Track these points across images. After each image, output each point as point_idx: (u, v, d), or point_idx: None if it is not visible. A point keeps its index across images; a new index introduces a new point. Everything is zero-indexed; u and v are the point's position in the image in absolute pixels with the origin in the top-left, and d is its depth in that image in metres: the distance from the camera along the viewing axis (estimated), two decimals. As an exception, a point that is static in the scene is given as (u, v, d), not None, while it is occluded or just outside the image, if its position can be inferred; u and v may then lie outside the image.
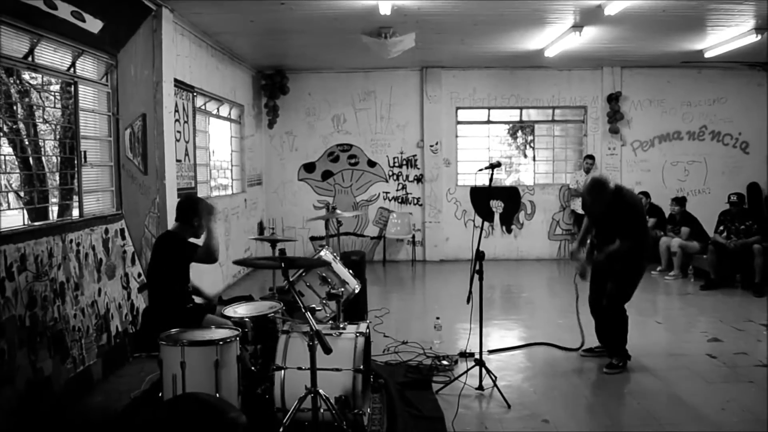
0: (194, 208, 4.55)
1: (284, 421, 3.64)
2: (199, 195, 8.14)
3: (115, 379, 5.37)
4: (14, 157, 7.83)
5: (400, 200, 11.79)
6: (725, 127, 11.54)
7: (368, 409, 4.24)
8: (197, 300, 4.81)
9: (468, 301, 4.84)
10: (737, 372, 5.38)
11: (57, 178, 6.65)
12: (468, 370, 5.04)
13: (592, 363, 5.66)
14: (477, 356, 5.04)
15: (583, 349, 5.87)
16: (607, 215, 5.40)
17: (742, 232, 8.73)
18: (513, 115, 11.95)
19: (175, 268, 4.42)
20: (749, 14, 7.55)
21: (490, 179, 5.03)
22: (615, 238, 5.30)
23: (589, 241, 5.82)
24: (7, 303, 4.14)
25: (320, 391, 3.68)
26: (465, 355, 5.64)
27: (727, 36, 8.64)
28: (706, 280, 8.87)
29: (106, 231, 5.61)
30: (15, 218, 5.04)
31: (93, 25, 5.33)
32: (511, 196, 11.73)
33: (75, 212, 5.54)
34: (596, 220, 5.66)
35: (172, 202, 6.85)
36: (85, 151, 5.45)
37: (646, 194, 10.75)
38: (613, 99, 11.34)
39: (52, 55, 5.02)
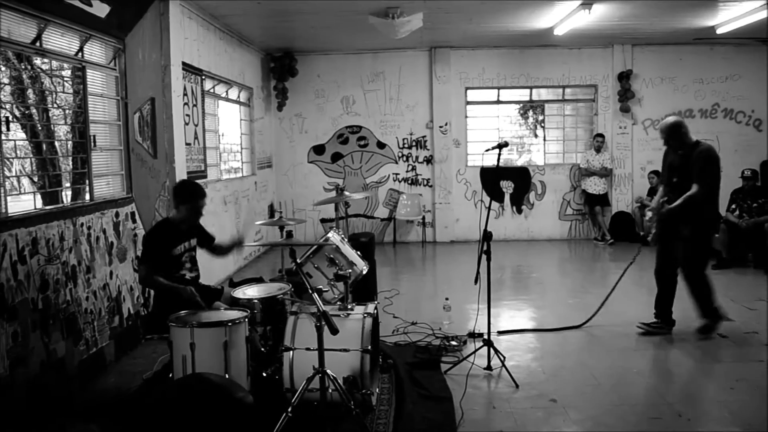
0: (177, 194, 4.68)
1: (293, 401, 3.69)
2: (209, 178, 8.19)
3: (128, 360, 5.45)
4: (26, 142, 7.89)
5: (410, 181, 11.79)
6: (738, 104, 11.41)
7: (376, 389, 4.29)
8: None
9: (476, 282, 4.85)
10: (747, 351, 5.38)
11: (69, 162, 6.71)
12: (476, 350, 5.07)
13: (600, 341, 5.67)
14: (485, 336, 5.06)
15: (640, 324, 5.90)
16: (685, 166, 5.51)
17: (754, 211, 8.68)
18: (523, 94, 11.87)
19: (157, 253, 4.49)
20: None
21: (498, 159, 5.02)
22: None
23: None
24: (19, 286, 4.20)
25: (328, 371, 3.72)
26: (474, 335, 5.67)
27: (738, 12, 8.51)
28: (718, 259, 8.81)
29: (117, 214, 5.66)
30: (28, 203, 5.10)
31: (100, 9, 5.33)
32: (522, 176, 11.69)
33: (86, 196, 5.59)
34: (673, 173, 5.71)
35: (182, 185, 6.90)
36: (94, 136, 5.48)
37: (657, 173, 10.70)
38: (624, 77, 11.23)
39: (60, 40, 5.04)
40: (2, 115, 4.43)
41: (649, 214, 6.01)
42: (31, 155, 7.78)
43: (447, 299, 6.27)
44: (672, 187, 5.69)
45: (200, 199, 4.65)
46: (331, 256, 4.85)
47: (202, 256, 4.94)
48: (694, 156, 5.49)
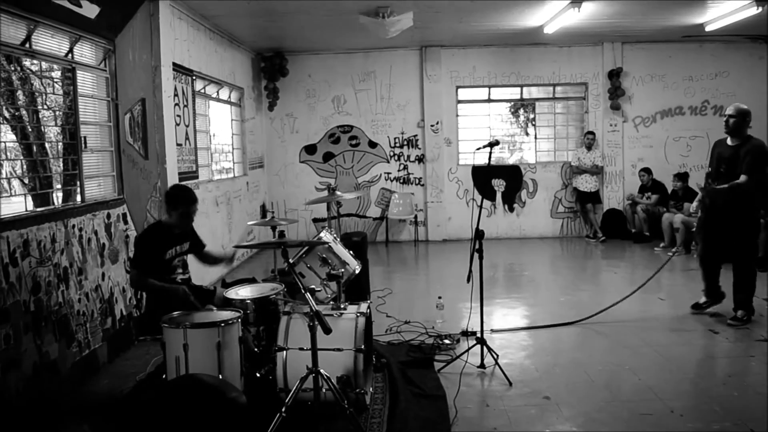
0: (168, 200, 4.68)
1: (287, 400, 3.69)
2: (200, 179, 8.17)
3: (121, 362, 5.43)
4: (17, 143, 7.86)
5: (401, 180, 11.79)
6: (727, 101, 11.37)
7: (370, 388, 4.29)
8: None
9: (468, 280, 4.87)
10: (738, 347, 5.42)
11: (60, 164, 6.69)
12: (469, 348, 5.08)
13: (592, 339, 5.71)
14: (478, 335, 5.07)
15: (693, 306, 6.40)
16: (734, 157, 5.84)
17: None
18: (514, 93, 11.89)
19: (149, 256, 4.50)
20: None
21: (489, 157, 5.04)
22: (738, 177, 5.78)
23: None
24: (11, 288, 4.18)
25: (322, 371, 3.71)
26: (467, 333, 5.68)
27: (727, 9, 8.56)
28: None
29: (108, 216, 5.64)
30: (19, 205, 5.08)
31: (90, 10, 5.31)
32: (513, 175, 11.72)
33: (78, 198, 5.58)
34: (721, 163, 5.99)
35: (173, 186, 6.88)
36: (84, 137, 5.47)
37: (647, 170, 10.75)
38: (614, 75, 11.27)
39: (50, 42, 5.02)
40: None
41: (695, 205, 6.43)
42: (22, 157, 7.75)
43: (440, 298, 6.28)
44: (718, 176, 6.00)
45: (191, 204, 4.64)
46: (324, 255, 4.85)
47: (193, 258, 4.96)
48: (746, 148, 5.80)
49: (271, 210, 10.82)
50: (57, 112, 6.68)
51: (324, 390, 3.76)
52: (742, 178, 5.72)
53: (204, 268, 5.32)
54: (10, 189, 7.40)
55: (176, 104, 7.22)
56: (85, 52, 5.56)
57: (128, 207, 6.05)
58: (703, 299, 6.37)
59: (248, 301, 4.46)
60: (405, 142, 11.71)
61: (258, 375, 4.26)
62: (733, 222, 5.90)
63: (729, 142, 5.99)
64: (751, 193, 5.83)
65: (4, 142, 6.13)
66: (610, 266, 9.25)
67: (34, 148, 7.88)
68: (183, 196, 4.66)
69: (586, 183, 11.14)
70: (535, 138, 12.08)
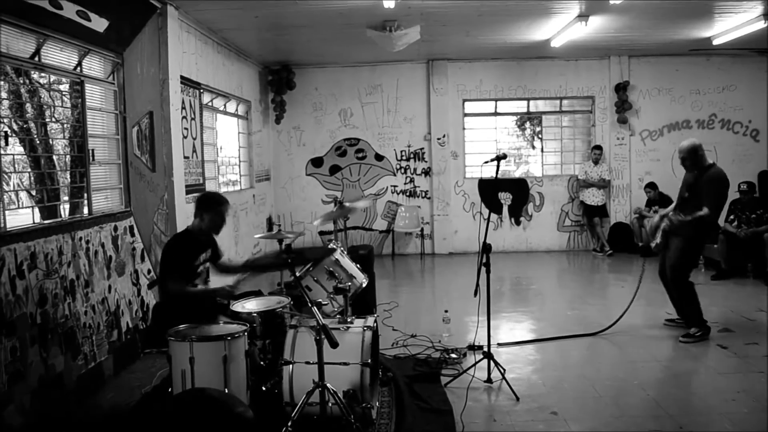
0: (202, 203, 4.66)
1: (293, 415, 3.67)
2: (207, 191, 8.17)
3: (127, 374, 5.42)
4: (25, 156, 7.88)
5: (408, 193, 11.79)
6: (735, 115, 11.45)
7: (377, 403, 4.27)
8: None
9: (475, 294, 4.85)
10: (748, 362, 5.36)
11: (68, 176, 6.71)
12: (476, 362, 5.05)
13: (600, 353, 5.67)
14: (485, 349, 5.04)
15: (666, 320, 6.46)
16: (696, 185, 5.95)
17: (753, 221, 8.68)
18: (520, 106, 11.90)
19: (178, 266, 4.48)
20: (757, 0, 7.47)
21: (497, 171, 5.03)
22: (701, 206, 5.80)
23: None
24: (18, 300, 4.18)
25: (328, 385, 3.70)
26: (473, 347, 5.65)
27: (735, 23, 8.55)
28: (717, 270, 8.82)
29: (115, 228, 5.65)
30: (27, 217, 5.09)
31: (98, 24, 5.35)
32: (520, 188, 11.70)
33: (85, 210, 5.59)
34: (688, 190, 6.11)
35: (180, 198, 6.90)
36: (92, 149, 5.49)
37: (653, 186, 10.71)
38: (621, 88, 11.27)
39: (59, 55, 5.05)
40: (1, 129, 4.43)
41: (656, 217, 6.38)
42: (30, 169, 7.77)
43: (446, 311, 6.25)
44: (683, 202, 6.10)
45: (223, 204, 4.67)
46: (331, 269, 4.85)
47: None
48: (705, 178, 5.89)
49: (278, 223, 10.86)
50: (65, 125, 6.72)
51: (330, 404, 3.75)
52: (705, 210, 5.74)
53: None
54: (18, 201, 7.43)
55: (184, 117, 7.25)
56: (94, 65, 5.60)
57: (135, 219, 6.06)
58: (676, 315, 6.36)
59: (255, 314, 4.45)
60: (411, 155, 11.72)
61: (264, 389, 4.24)
62: (676, 239, 6.02)
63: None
64: (714, 223, 6.06)
65: (12, 155, 6.15)
66: (618, 280, 9.20)
67: (42, 160, 7.89)
68: (216, 197, 4.74)
69: (593, 196, 11.11)
70: (542, 151, 12.06)
